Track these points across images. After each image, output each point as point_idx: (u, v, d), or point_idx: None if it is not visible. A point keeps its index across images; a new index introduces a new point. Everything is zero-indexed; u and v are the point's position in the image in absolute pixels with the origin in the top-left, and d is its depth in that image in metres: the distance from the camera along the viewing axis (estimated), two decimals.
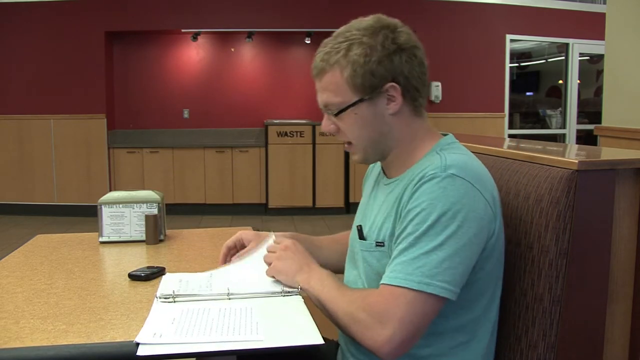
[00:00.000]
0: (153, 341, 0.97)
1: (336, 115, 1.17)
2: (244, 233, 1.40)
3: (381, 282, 1.06)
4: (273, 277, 1.24)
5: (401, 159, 1.20)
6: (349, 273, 1.31)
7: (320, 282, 1.16)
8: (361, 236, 1.23)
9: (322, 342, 0.97)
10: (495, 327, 1.20)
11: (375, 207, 1.24)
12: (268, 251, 1.29)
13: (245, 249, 1.38)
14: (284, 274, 1.21)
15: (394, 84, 1.13)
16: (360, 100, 1.14)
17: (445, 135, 1.23)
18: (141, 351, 0.94)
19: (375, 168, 1.36)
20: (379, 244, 1.16)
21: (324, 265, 1.39)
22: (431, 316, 1.04)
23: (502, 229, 1.14)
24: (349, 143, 1.21)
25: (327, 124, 1.21)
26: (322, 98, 1.18)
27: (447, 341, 1.13)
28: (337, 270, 1.40)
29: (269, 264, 1.25)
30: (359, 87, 1.13)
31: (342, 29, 1.18)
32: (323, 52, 1.16)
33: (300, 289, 1.18)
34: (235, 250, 1.40)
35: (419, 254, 1.02)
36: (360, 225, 1.25)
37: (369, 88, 1.13)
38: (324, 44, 1.18)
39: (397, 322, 1.01)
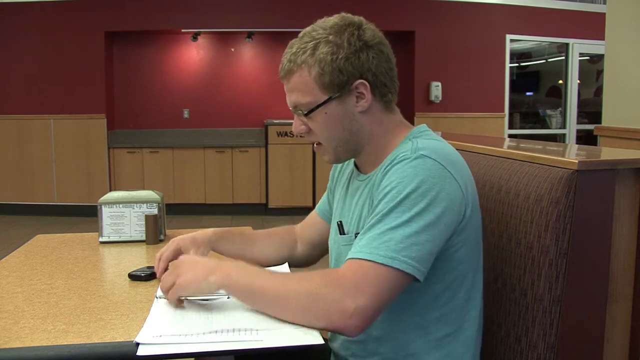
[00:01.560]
0: (153, 341, 0.97)
1: (306, 115, 1.17)
2: (180, 241, 1.34)
3: (347, 257, 1.04)
4: (181, 298, 1.12)
5: (375, 155, 1.20)
6: None
7: (243, 271, 1.08)
8: (342, 231, 1.24)
9: (321, 341, 0.97)
10: (481, 316, 1.20)
11: (353, 204, 1.25)
12: (163, 280, 1.15)
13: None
14: (193, 282, 1.08)
15: (362, 80, 1.14)
16: (330, 99, 1.14)
17: (419, 126, 1.23)
18: (141, 351, 0.94)
19: (344, 167, 1.37)
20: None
21: (258, 259, 1.40)
22: (396, 293, 1.01)
23: (477, 216, 1.13)
24: (319, 144, 1.21)
25: (297, 124, 1.21)
26: (291, 99, 1.18)
27: (433, 333, 1.13)
28: (272, 264, 1.41)
29: (169, 288, 1.12)
30: (327, 86, 1.13)
31: (307, 29, 1.18)
32: (290, 53, 1.16)
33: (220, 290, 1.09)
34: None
35: (385, 229, 1.02)
36: (341, 221, 1.25)
37: (337, 86, 1.13)
38: (290, 45, 1.17)
39: (369, 294, 0.98)
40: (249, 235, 1.51)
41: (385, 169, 1.10)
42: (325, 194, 1.45)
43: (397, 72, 1.20)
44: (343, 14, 1.18)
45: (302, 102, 1.16)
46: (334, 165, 1.40)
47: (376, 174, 1.17)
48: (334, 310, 0.98)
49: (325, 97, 1.14)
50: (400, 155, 1.08)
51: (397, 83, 1.20)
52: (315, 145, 1.23)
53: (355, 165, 1.29)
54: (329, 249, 1.36)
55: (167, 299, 1.13)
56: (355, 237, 1.15)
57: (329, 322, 0.99)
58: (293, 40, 1.18)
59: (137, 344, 0.96)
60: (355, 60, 1.13)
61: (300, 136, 1.24)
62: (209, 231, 1.39)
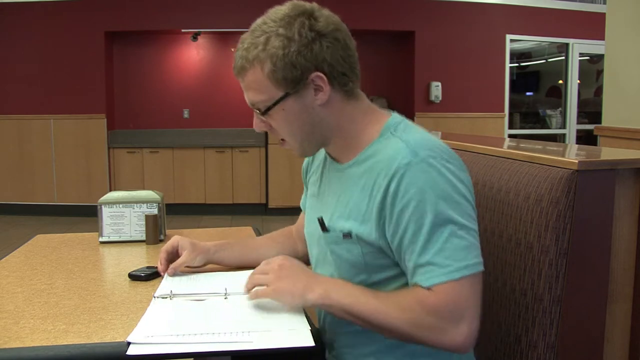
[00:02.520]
0: (144, 341, 0.97)
1: (264, 113, 1.12)
2: (180, 240, 1.37)
3: (422, 284, 1.02)
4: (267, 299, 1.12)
5: (346, 144, 1.16)
6: (322, 272, 1.25)
7: (346, 293, 1.07)
8: (324, 228, 1.18)
9: (313, 343, 0.97)
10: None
11: (332, 195, 1.19)
12: (255, 274, 1.16)
13: (179, 259, 1.35)
14: (289, 294, 1.09)
15: (318, 73, 1.08)
16: (286, 95, 1.09)
17: (389, 113, 1.19)
18: (131, 350, 0.95)
19: (313, 159, 1.33)
20: (346, 235, 1.12)
21: (259, 262, 1.39)
22: (481, 291, 1.04)
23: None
24: (283, 140, 1.17)
25: (257, 123, 1.17)
26: (248, 97, 1.13)
27: None
28: None
29: (262, 286, 1.13)
30: (281, 82, 1.08)
31: (258, 21, 1.12)
32: (242, 49, 1.10)
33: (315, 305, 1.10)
34: (172, 256, 1.38)
35: (441, 244, 1.01)
36: (322, 217, 1.19)
37: (292, 81, 1.07)
38: (242, 40, 1.12)
39: (468, 315, 1.00)
40: (248, 242, 1.50)
41: (389, 178, 1.04)
42: (304, 189, 1.42)
43: (357, 57, 1.13)
44: (294, 1, 1.12)
45: (258, 100, 1.11)
46: (304, 160, 1.37)
47: (360, 168, 1.12)
48: (445, 340, 1.01)
49: (281, 94, 1.09)
50: (404, 163, 1.03)
51: (357, 69, 1.14)
52: (280, 141, 1.19)
53: (328, 154, 1.24)
54: (307, 242, 1.31)
55: (247, 289, 1.14)
56: (343, 237, 1.12)
57: (440, 347, 1.03)
58: (244, 34, 1.12)
59: (129, 344, 0.97)
60: (308, 52, 1.06)
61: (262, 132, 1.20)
62: (210, 243, 1.40)
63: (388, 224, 1.06)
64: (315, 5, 1.12)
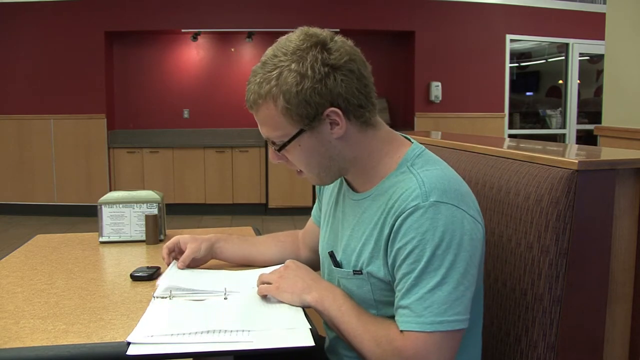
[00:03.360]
0: (144, 341, 0.97)
1: (279, 150, 1.11)
2: (181, 237, 1.40)
3: (397, 324, 1.02)
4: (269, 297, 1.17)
5: (364, 175, 1.14)
6: None
7: (337, 306, 1.10)
8: (336, 263, 1.18)
9: (312, 344, 0.97)
10: (480, 333, 1.20)
11: (346, 227, 1.18)
12: (265, 273, 1.21)
13: (186, 252, 1.37)
14: (288, 292, 1.13)
15: (333, 108, 1.05)
16: (301, 131, 1.07)
17: (408, 140, 1.17)
18: (131, 350, 0.95)
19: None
20: (357, 272, 1.12)
21: (259, 261, 1.42)
22: (456, 347, 1.02)
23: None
24: (300, 171, 1.16)
25: (273, 156, 1.15)
26: (262, 131, 1.12)
27: None
28: (273, 264, 1.38)
29: (268, 284, 1.18)
30: (296, 118, 1.05)
31: (269, 52, 1.08)
32: (254, 83, 1.07)
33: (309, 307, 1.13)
34: (174, 253, 1.40)
35: (423, 293, 0.99)
36: (332, 252, 1.20)
37: (307, 118, 1.04)
38: (253, 72, 1.09)
39: None
40: (249, 237, 1.51)
41: (395, 216, 1.03)
42: (317, 201, 1.41)
43: (373, 83, 1.10)
44: (306, 29, 1.08)
45: (273, 136, 1.10)
46: None
47: (373, 202, 1.11)
48: None
49: (296, 130, 1.07)
50: (412, 205, 1.01)
51: (374, 98, 1.10)
52: (297, 172, 1.17)
53: (347, 180, 1.21)
54: (320, 256, 1.32)
55: (259, 287, 1.19)
56: (354, 273, 1.12)
57: None
58: (256, 67, 1.09)
59: (129, 344, 0.97)
60: (323, 88, 1.03)
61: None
62: (210, 234, 1.42)
63: (390, 260, 1.06)
64: (327, 34, 1.08)
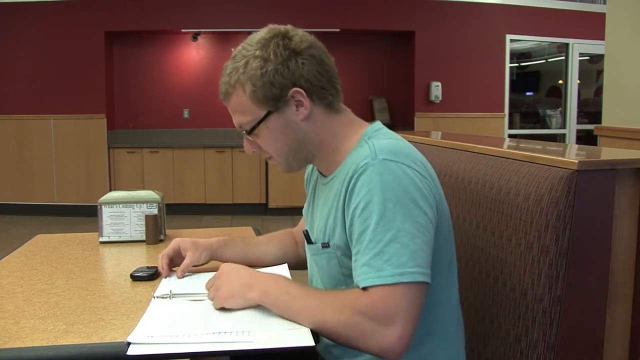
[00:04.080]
0: (144, 341, 0.97)
1: (249, 133, 1.18)
2: (181, 242, 1.38)
3: (358, 283, 1.02)
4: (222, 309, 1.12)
5: (329, 158, 1.20)
6: (315, 285, 1.29)
7: (283, 291, 1.08)
8: (309, 241, 1.24)
9: (312, 344, 0.97)
10: (459, 310, 1.21)
11: (317, 210, 1.25)
12: (207, 288, 1.18)
13: (185, 261, 1.35)
14: (230, 299, 1.10)
15: (296, 88, 1.13)
16: (269, 113, 1.14)
17: (372, 123, 1.22)
18: (131, 351, 0.95)
19: (312, 172, 1.36)
20: (325, 245, 1.16)
21: (262, 261, 1.42)
22: (420, 303, 1.02)
23: (445, 207, 1.14)
24: (270, 157, 1.22)
25: (246, 144, 1.22)
26: (235, 120, 1.19)
27: None
28: (276, 263, 1.41)
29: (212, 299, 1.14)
30: (262, 101, 1.13)
31: (238, 47, 1.18)
32: (225, 75, 1.16)
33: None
34: (174, 260, 1.38)
35: (381, 247, 1.00)
36: (307, 230, 1.26)
37: (272, 99, 1.13)
38: (225, 67, 1.18)
39: (399, 320, 0.98)
40: (250, 240, 1.52)
41: (349, 180, 1.07)
42: (307, 198, 1.44)
43: (336, 71, 1.18)
44: (270, 25, 1.18)
45: (244, 122, 1.17)
46: (306, 170, 1.40)
47: (336, 180, 1.15)
48: (372, 342, 0.99)
49: (264, 113, 1.14)
50: (362, 163, 1.05)
51: (337, 83, 1.18)
52: (268, 158, 1.23)
53: (317, 169, 1.29)
54: (306, 253, 1.34)
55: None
56: (322, 247, 1.16)
57: (368, 351, 1.01)
58: (227, 62, 1.18)
59: (129, 344, 0.97)
60: (285, 70, 1.12)
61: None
62: (212, 239, 1.41)
63: (348, 223, 1.08)
64: (289, 26, 1.18)
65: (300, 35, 1.16)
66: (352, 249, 1.07)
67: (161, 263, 1.37)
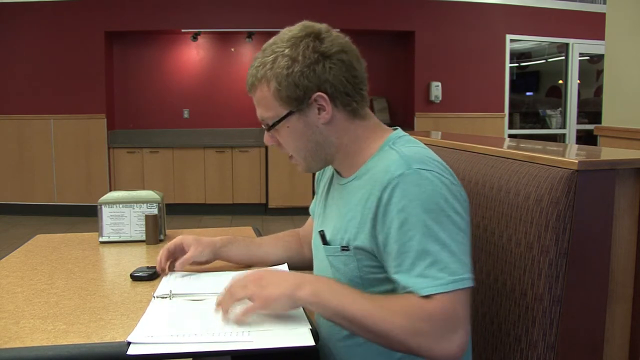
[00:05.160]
0: (144, 341, 0.97)
1: (269, 129, 1.18)
2: (185, 238, 1.38)
3: (418, 292, 1.01)
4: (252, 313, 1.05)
5: (349, 161, 1.19)
6: None
7: (339, 294, 1.03)
8: (325, 241, 1.21)
9: (312, 343, 0.97)
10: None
11: (334, 210, 1.23)
12: (231, 291, 1.06)
13: (187, 254, 1.35)
14: (278, 299, 1.03)
15: (320, 93, 1.12)
16: (290, 113, 1.14)
17: (394, 129, 1.22)
18: (131, 350, 0.95)
19: (324, 170, 1.35)
20: (344, 248, 1.14)
21: (265, 261, 1.41)
22: (470, 305, 1.04)
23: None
24: (291, 156, 1.22)
25: (267, 138, 1.22)
26: (258, 112, 1.19)
27: None
28: (279, 264, 1.41)
29: (238, 299, 1.06)
30: (285, 100, 1.13)
31: (270, 41, 1.17)
32: (253, 67, 1.16)
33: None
34: (174, 256, 1.37)
35: (434, 257, 1.00)
36: (323, 231, 1.22)
37: (295, 100, 1.12)
38: (254, 58, 1.18)
39: (461, 327, 1.00)
40: (255, 239, 1.51)
41: (382, 188, 1.06)
42: (315, 195, 1.44)
43: (365, 77, 1.17)
44: (305, 22, 1.17)
45: (266, 117, 1.17)
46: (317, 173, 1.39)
47: (359, 183, 1.14)
48: (435, 348, 0.99)
49: (285, 112, 1.14)
50: (397, 173, 1.04)
51: (364, 89, 1.17)
52: (289, 156, 1.23)
53: (335, 169, 1.27)
54: (313, 253, 1.34)
55: (225, 308, 1.05)
56: (341, 250, 1.14)
57: (430, 356, 1.01)
58: (257, 53, 1.18)
59: (129, 343, 0.97)
60: (311, 73, 1.11)
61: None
62: (215, 238, 1.40)
63: (380, 233, 1.07)
64: (324, 26, 1.16)
65: (333, 37, 1.15)
66: (389, 257, 1.06)
67: (159, 256, 1.35)
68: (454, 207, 1.04)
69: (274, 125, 1.16)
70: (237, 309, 1.05)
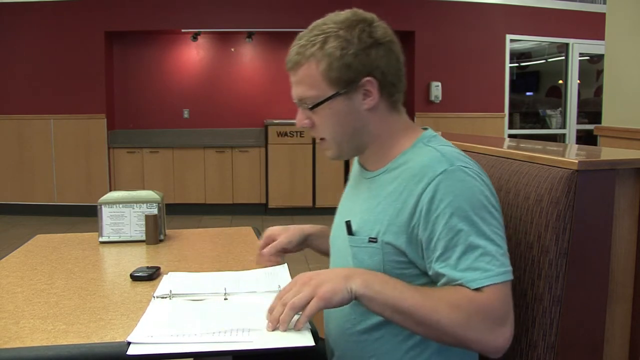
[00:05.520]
0: (144, 341, 0.97)
1: (311, 109, 1.15)
2: (271, 229, 1.39)
3: (468, 286, 1.01)
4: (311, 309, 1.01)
5: (379, 154, 1.19)
6: None
7: (391, 286, 1.02)
8: (350, 232, 1.18)
9: (313, 344, 0.97)
10: None
11: (360, 202, 1.21)
12: (287, 304, 1.01)
13: (277, 241, 1.36)
14: (338, 294, 1.00)
15: (370, 78, 1.12)
16: (336, 94, 1.12)
17: (424, 128, 1.23)
18: (131, 350, 0.95)
19: (355, 163, 1.34)
20: (372, 240, 1.13)
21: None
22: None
23: None
24: (322, 138, 1.19)
25: (301, 118, 1.19)
26: (296, 92, 1.16)
27: (432, 346, 1.13)
28: None
29: (303, 305, 1.01)
30: (334, 81, 1.11)
31: (318, 21, 1.16)
32: (298, 45, 1.14)
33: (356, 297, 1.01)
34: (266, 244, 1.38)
35: (482, 250, 1.02)
36: (349, 221, 1.19)
37: (344, 82, 1.12)
38: (299, 37, 1.15)
39: (509, 318, 1.02)
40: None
41: (424, 185, 1.06)
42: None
43: (405, 72, 1.18)
44: (355, 9, 1.17)
45: (307, 96, 1.15)
46: (354, 161, 1.37)
47: (389, 177, 1.14)
48: (489, 340, 1.01)
49: (332, 93, 1.12)
50: (440, 170, 1.06)
51: (404, 83, 1.19)
52: (319, 140, 1.21)
53: (359, 163, 1.27)
54: (330, 248, 1.32)
55: (284, 319, 1.00)
56: (369, 241, 1.13)
57: (479, 348, 1.03)
58: (302, 32, 1.16)
59: (129, 343, 0.97)
60: (365, 57, 1.11)
61: (301, 135, 1.22)
62: (305, 225, 1.40)
63: (423, 229, 1.06)
64: (374, 16, 1.18)
65: (384, 27, 1.16)
66: (434, 252, 1.05)
67: (268, 249, 1.35)
68: (493, 203, 1.07)
69: (317, 105, 1.14)
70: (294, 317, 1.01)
